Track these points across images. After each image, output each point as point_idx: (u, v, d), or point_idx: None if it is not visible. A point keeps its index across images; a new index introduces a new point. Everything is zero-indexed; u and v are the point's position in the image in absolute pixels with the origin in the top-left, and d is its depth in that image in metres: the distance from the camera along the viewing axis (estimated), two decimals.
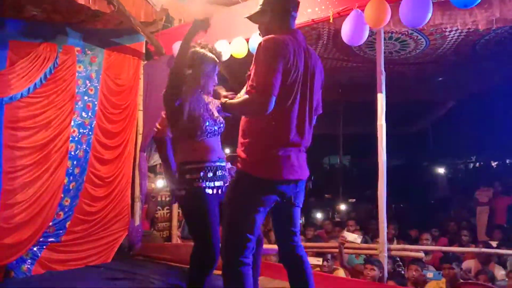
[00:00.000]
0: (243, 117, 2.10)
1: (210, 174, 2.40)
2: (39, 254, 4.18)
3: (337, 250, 4.17)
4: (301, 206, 2.17)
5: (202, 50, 2.52)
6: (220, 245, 2.15)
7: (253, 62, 1.98)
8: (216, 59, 2.53)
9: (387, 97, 3.59)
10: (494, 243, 4.76)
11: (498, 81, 7.05)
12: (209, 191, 2.37)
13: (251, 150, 2.01)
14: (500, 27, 4.19)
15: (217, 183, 2.43)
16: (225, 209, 2.11)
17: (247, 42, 3.88)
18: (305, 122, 2.05)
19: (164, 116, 2.57)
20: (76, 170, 4.52)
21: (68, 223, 4.43)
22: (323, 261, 4.22)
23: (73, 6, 3.83)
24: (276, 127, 1.98)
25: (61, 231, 4.39)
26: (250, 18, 2.17)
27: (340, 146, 10.19)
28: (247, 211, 2.00)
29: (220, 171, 2.45)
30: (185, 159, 2.42)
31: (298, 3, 2.14)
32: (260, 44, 1.94)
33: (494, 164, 11.37)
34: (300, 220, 5.65)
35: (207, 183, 2.37)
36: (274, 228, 2.30)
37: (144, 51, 4.87)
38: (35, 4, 4.02)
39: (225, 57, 4.07)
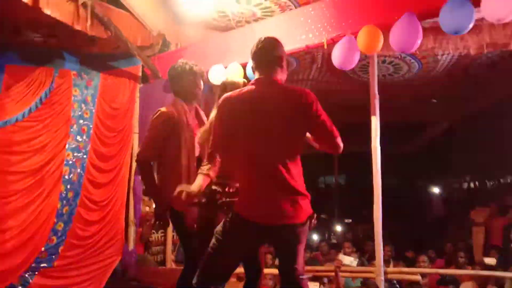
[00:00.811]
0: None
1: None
2: (30, 280, 4.08)
3: (333, 273, 4.14)
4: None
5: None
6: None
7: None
8: None
9: (381, 116, 3.62)
10: (491, 260, 4.75)
11: (491, 102, 7.14)
12: None
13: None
14: (490, 51, 4.28)
15: None
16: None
17: (243, 67, 3.92)
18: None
19: (146, 139, 2.75)
20: (70, 194, 4.48)
21: (61, 248, 4.35)
22: (319, 285, 4.18)
23: (70, 31, 3.85)
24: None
25: (53, 256, 4.31)
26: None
27: (335, 166, 10.22)
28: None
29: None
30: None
31: (275, 47, 2.25)
32: None
33: (489, 184, 11.42)
34: None
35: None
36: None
37: (140, 74, 4.90)
38: (32, 29, 4.05)
39: (220, 82, 4.12)
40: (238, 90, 2.19)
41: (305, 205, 2.11)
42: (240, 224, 2.07)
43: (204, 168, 2.31)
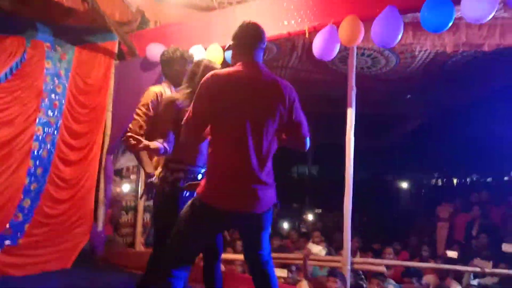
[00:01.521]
0: None
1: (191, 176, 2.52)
2: None
3: (301, 261, 4.19)
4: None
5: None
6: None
7: None
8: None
9: (357, 109, 3.66)
10: (453, 253, 4.92)
11: (463, 101, 7.33)
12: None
13: None
14: (465, 50, 4.38)
15: None
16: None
17: (223, 49, 3.87)
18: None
19: (136, 116, 2.74)
20: (39, 171, 4.35)
21: (27, 225, 4.24)
22: (288, 273, 4.23)
23: (45, 1, 3.71)
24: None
25: (18, 234, 4.19)
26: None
27: (309, 156, 10.33)
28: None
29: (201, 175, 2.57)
30: (173, 157, 2.54)
31: (260, 34, 2.19)
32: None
33: (455, 181, 11.80)
34: None
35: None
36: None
37: (116, 51, 4.77)
38: None
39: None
40: (225, 69, 2.11)
41: (272, 194, 2.12)
42: (206, 210, 2.04)
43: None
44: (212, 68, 2.47)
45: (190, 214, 2.11)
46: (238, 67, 2.10)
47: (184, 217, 2.14)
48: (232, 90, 2.03)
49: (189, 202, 2.17)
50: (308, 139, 2.21)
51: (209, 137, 2.13)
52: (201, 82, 2.07)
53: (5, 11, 4.05)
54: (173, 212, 2.37)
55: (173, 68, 2.86)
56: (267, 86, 2.09)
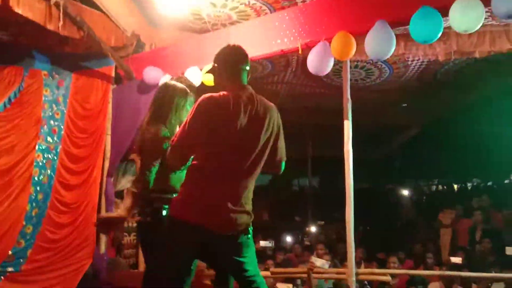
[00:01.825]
0: None
1: None
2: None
3: (306, 275, 4.19)
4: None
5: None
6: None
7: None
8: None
9: (353, 121, 3.70)
10: (457, 259, 4.91)
11: (459, 107, 7.40)
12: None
13: None
14: (457, 58, 4.46)
15: None
16: None
17: (201, 71, 3.93)
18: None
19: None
20: (40, 196, 4.37)
21: (29, 251, 4.25)
22: (293, 287, 4.23)
23: (41, 30, 3.77)
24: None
25: (21, 260, 4.20)
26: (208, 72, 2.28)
27: (308, 168, 10.33)
28: None
29: None
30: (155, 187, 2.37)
31: (246, 56, 2.18)
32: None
33: (456, 186, 11.79)
34: (270, 244, 5.68)
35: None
36: None
37: (113, 75, 4.82)
38: (1, 27, 3.94)
39: (196, 84, 4.12)
40: (219, 93, 2.08)
41: (247, 219, 2.10)
42: (188, 229, 1.99)
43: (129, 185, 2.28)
44: (178, 88, 2.46)
45: (172, 238, 2.04)
46: (230, 91, 2.07)
47: (158, 243, 2.09)
48: (227, 113, 2.01)
49: (166, 227, 2.10)
50: (283, 163, 2.22)
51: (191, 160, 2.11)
52: (197, 103, 2.04)
53: (3, 42, 4.13)
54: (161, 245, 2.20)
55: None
56: (260, 111, 2.08)
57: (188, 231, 2.00)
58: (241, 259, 2.08)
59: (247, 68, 2.16)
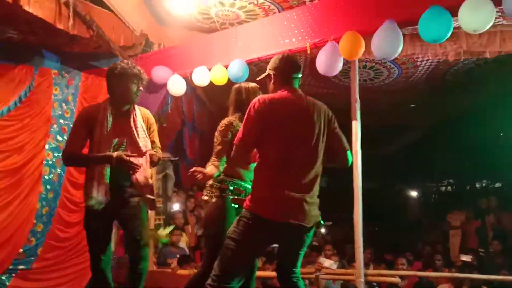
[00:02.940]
0: None
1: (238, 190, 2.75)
2: (7, 283, 4.00)
3: (314, 275, 4.18)
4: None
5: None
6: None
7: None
8: None
9: (362, 120, 3.69)
10: (468, 257, 4.88)
11: (467, 108, 7.34)
12: None
13: None
14: (467, 58, 4.42)
15: None
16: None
17: (226, 69, 3.93)
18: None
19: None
20: (50, 195, 4.40)
21: (39, 249, 4.28)
22: None
23: (51, 30, 3.79)
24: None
25: (32, 258, 4.23)
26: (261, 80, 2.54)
27: None
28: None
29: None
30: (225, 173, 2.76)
31: (299, 67, 2.47)
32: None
33: (464, 187, 11.69)
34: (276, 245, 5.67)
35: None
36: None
37: None
38: (11, 26, 3.96)
39: (205, 83, 4.13)
40: (271, 94, 2.35)
41: (317, 211, 2.32)
42: (259, 221, 2.16)
43: (214, 161, 2.61)
44: (252, 89, 2.81)
45: (242, 229, 2.21)
46: (282, 93, 2.33)
47: (234, 233, 2.24)
48: (280, 112, 2.24)
49: (237, 218, 2.28)
50: (349, 153, 2.44)
51: (257, 158, 2.30)
52: (250, 105, 2.27)
53: (13, 41, 4.16)
54: (220, 221, 2.60)
55: (114, 84, 2.80)
56: (310, 108, 2.31)
57: (266, 226, 2.16)
58: (300, 253, 2.34)
59: (299, 76, 2.43)
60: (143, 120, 2.93)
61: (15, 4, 3.18)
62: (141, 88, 2.84)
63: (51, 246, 4.33)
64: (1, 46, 4.17)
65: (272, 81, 2.43)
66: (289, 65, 2.42)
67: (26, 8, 3.30)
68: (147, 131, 2.92)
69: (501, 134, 7.55)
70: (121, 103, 2.81)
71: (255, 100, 2.27)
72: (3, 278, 3.98)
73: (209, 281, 2.26)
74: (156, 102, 4.55)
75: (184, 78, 4.30)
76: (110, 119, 2.76)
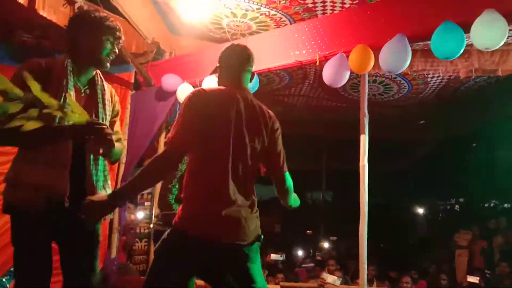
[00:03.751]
0: None
1: None
2: (8, 285, 3.99)
3: None
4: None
5: None
6: None
7: None
8: None
9: (369, 135, 3.66)
10: (475, 278, 4.78)
11: (478, 126, 7.27)
12: None
13: None
14: (479, 76, 4.38)
15: None
16: None
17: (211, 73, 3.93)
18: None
19: None
20: None
21: None
22: None
23: (64, 34, 3.84)
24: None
25: None
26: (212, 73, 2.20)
27: (323, 181, 10.27)
28: None
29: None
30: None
31: (249, 57, 2.09)
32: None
33: (474, 207, 11.55)
34: (281, 257, 5.62)
35: None
36: None
37: (133, 81, 4.88)
38: (26, 30, 4.03)
39: None
40: (211, 87, 2.03)
41: (256, 224, 1.94)
42: (183, 239, 1.81)
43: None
44: None
45: (165, 248, 1.87)
46: (224, 86, 1.99)
47: (158, 253, 1.90)
48: (217, 107, 1.88)
49: (164, 235, 1.91)
50: (288, 174, 2.09)
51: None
52: (185, 98, 1.90)
53: (27, 45, 4.21)
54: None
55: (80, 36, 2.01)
56: (253, 108, 1.97)
57: (192, 245, 1.80)
58: (252, 270, 1.90)
59: (250, 69, 2.07)
60: (110, 96, 2.17)
61: (30, 8, 3.23)
62: (115, 51, 2.07)
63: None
64: (16, 49, 4.22)
65: (218, 74, 2.09)
66: (237, 55, 2.05)
67: (41, 12, 3.35)
68: (111, 113, 2.15)
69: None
70: (86, 65, 2.03)
71: (192, 92, 1.90)
72: (3, 280, 3.97)
73: None
74: (165, 110, 4.56)
75: (193, 87, 4.32)
76: (71, 82, 1.97)
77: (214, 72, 2.14)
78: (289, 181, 2.10)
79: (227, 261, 1.88)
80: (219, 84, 2.07)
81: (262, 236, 1.96)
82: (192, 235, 1.79)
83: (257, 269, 1.93)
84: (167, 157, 1.83)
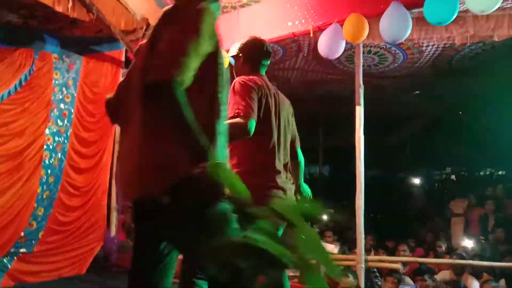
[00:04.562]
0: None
1: None
2: (9, 266, 4.03)
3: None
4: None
5: None
6: None
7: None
8: None
9: (365, 108, 3.64)
10: (469, 243, 4.85)
11: (473, 95, 7.24)
12: None
13: None
14: (474, 43, 4.33)
15: None
16: None
17: (227, 52, 3.87)
18: None
19: None
20: (50, 179, 4.41)
21: (41, 233, 4.30)
22: None
23: (51, 13, 3.76)
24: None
25: (33, 242, 4.25)
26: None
27: (319, 157, 10.30)
28: None
29: None
30: None
31: (269, 53, 2.27)
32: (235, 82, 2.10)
33: (470, 175, 11.65)
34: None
35: None
36: None
37: (123, 59, 4.81)
38: (11, 9, 3.93)
39: None
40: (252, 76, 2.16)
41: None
42: None
43: None
44: None
45: None
46: (256, 76, 2.15)
47: None
48: (264, 93, 2.10)
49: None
50: (299, 149, 2.37)
51: None
52: (238, 82, 2.07)
53: (13, 25, 4.12)
54: None
55: None
56: (278, 98, 2.19)
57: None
58: None
59: (267, 63, 2.27)
60: None
61: None
62: None
63: (53, 230, 4.35)
64: (2, 29, 4.13)
65: (241, 61, 2.25)
66: (257, 48, 2.25)
67: None
68: None
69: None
70: None
71: (240, 79, 2.09)
72: (4, 261, 4.00)
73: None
74: None
75: None
76: None
77: (235, 57, 2.28)
78: (301, 156, 2.37)
79: None
80: (237, 70, 2.24)
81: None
82: None
83: None
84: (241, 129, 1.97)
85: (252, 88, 2.05)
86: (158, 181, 1.27)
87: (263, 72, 2.25)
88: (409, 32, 3.12)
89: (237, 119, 1.97)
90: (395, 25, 3.08)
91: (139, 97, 1.31)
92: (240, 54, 2.26)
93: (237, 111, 1.99)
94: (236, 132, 1.95)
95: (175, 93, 1.19)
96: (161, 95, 1.20)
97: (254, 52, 2.24)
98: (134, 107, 1.35)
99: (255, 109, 2.01)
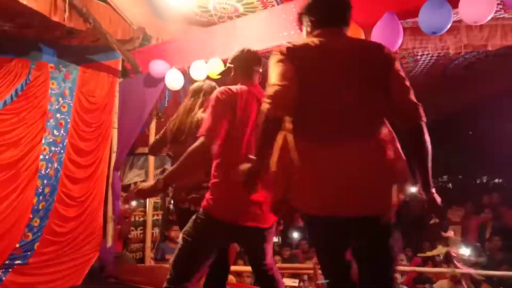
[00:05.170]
0: None
1: None
2: (4, 278, 3.99)
3: (312, 271, 4.16)
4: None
5: None
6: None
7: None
8: None
9: None
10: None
11: (468, 103, 7.29)
12: None
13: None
14: (468, 52, 4.37)
15: None
16: None
17: (224, 62, 3.89)
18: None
19: None
20: (46, 190, 4.38)
21: (36, 244, 4.26)
22: (299, 282, 4.20)
23: (47, 22, 3.76)
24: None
25: (28, 253, 4.22)
26: (221, 74, 2.42)
27: None
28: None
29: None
30: None
31: (259, 59, 2.31)
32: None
33: (466, 183, 11.66)
34: (277, 240, 5.66)
35: None
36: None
37: (120, 68, 4.82)
38: (7, 19, 3.93)
39: (201, 77, 4.09)
40: (236, 86, 2.14)
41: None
42: (213, 224, 2.03)
43: None
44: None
45: (195, 229, 2.07)
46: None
47: (189, 235, 2.08)
48: (241, 104, 2.08)
49: (193, 218, 2.11)
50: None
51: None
52: (216, 94, 2.09)
53: (9, 34, 4.13)
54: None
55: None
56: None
57: (220, 228, 2.05)
58: (265, 249, 2.19)
59: (259, 70, 2.29)
60: None
61: None
62: None
63: (48, 241, 4.32)
64: None
65: (232, 73, 2.29)
66: (248, 57, 2.28)
67: (21, 0, 3.27)
68: None
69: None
70: None
71: (219, 90, 2.10)
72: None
73: (165, 284, 2.07)
74: (154, 96, 4.51)
75: (182, 72, 4.27)
76: None
77: (227, 71, 2.33)
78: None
79: (247, 242, 2.23)
80: (232, 82, 2.24)
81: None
82: (221, 220, 2.04)
83: (270, 248, 2.25)
84: (202, 148, 2.00)
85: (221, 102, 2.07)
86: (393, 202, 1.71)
87: (255, 78, 2.27)
88: (399, 42, 3.14)
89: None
90: (385, 35, 3.10)
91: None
92: (232, 65, 2.31)
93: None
94: None
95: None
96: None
97: (244, 61, 2.27)
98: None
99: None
